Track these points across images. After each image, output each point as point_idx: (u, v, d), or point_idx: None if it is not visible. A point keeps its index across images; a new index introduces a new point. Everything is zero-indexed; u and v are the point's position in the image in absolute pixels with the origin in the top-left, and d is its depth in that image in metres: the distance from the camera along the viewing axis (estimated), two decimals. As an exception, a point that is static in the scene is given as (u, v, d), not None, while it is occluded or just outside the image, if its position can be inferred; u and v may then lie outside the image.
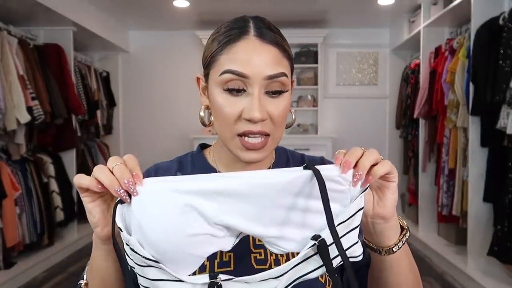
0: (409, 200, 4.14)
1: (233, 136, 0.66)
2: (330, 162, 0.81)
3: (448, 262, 2.98)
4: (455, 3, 2.94)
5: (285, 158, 0.81)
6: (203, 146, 0.83)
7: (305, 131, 4.69)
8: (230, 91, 0.64)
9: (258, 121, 0.64)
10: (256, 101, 0.63)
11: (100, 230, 0.58)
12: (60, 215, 3.36)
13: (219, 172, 0.77)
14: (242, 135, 0.65)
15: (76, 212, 3.66)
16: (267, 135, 0.66)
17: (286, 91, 0.67)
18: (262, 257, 0.68)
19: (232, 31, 0.65)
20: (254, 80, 0.63)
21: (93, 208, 0.56)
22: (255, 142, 0.65)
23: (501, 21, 2.42)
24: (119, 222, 0.51)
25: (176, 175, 0.78)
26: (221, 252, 0.68)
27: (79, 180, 0.54)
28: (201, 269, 0.67)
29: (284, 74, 0.65)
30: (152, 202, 0.50)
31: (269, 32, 0.66)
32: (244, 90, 0.64)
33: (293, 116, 0.76)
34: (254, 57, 0.63)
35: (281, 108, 0.66)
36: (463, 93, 2.82)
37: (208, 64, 0.68)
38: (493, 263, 2.55)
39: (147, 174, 0.79)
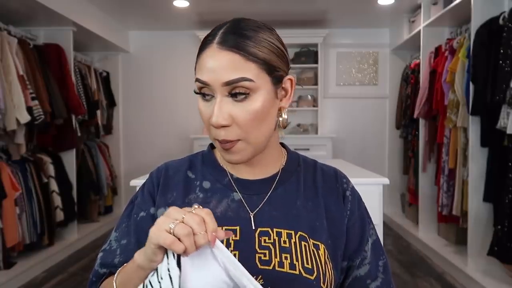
0: (409, 200, 4.14)
1: (214, 140, 0.71)
2: (342, 175, 0.83)
3: (448, 262, 2.98)
4: (455, 3, 2.94)
5: (296, 164, 0.81)
6: (213, 146, 0.84)
7: (305, 131, 4.69)
8: (203, 96, 0.70)
9: (218, 127, 0.67)
10: (216, 107, 0.66)
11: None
12: (60, 215, 3.35)
13: (228, 171, 0.78)
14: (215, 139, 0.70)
15: (76, 212, 3.66)
16: (233, 141, 0.68)
17: (252, 93, 0.66)
18: (267, 258, 0.69)
19: (205, 40, 0.70)
20: (215, 87, 0.66)
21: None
22: (225, 144, 0.69)
23: (501, 21, 2.42)
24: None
25: (186, 174, 0.79)
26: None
27: (165, 241, 0.54)
28: None
29: (244, 79, 0.65)
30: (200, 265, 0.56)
31: (233, 37, 0.66)
32: (213, 96, 0.68)
33: (285, 116, 0.75)
34: (213, 65, 0.66)
35: (249, 111, 0.66)
36: (463, 93, 2.82)
37: None
38: (493, 263, 2.56)
39: (158, 171, 0.81)
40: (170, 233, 0.54)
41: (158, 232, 0.55)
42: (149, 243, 0.56)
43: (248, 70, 0.66)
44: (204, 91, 0.68)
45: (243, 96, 0.66)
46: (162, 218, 0.56)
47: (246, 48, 0.66)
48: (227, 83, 0.65)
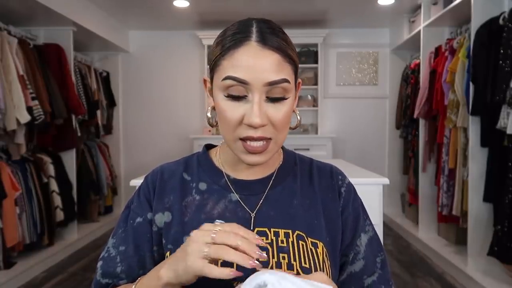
0: (409, 200, 4.14)
1: (236, 140, 0.68)
2: (338, 171, 0.83)
3: (448, 262, 2.98)
4: (455, 3, 2.94)
5: (292, 162, 0.81)
6: (209, 147, 0.84)
7: (305, 131, 4.69)
8: (232, 96, 0.66)
9: (258, 127, 0.65)
10: (256, 107, 0.64)
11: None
12: (60, 215, 3.35)
13: (226, 173, 0.77)
14: (243, 139, 0.67)
15: (76, 212, 3.66)
16: (268, 139, 0.67)
17: (288, 98, 0.67)
18: (265, 259, 0.69)
19: (235, 36, 0.66)
20: (254, 86, 0.64)
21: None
22: (256, 145, 0.66)
23: (501, 21, 2.42)
24: None
25: (182, 177, 0.78)
26: None
27: (214, 272, 0.54)
28: None
29: (285, 80, 0.65)
30: None
31: (271, 36, 0.65)
32: (245, 96, 0.65)
33: (298, 118, 0.77)
34: (254, 63, 0.63)
35: (283, 113, 0.67)
36: (463, 93, 2.82)
37: (212, 68, 0.70)
38: (493, 263, 2.56)
39: (153, 175, 0.79)
40: (211, 258, 0.54)
41: (201, 263, 0.55)
42: (188, 272, 0.56)
43: (286, 71, 0.66)
44: (233, 91, 0.65)
45: (280, 99, 0.66)
46: (194, 245, 0.56)
47: (285, 49, 0.66)
48: (270, 84, 0.64)
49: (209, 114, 0.76)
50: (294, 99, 0.71)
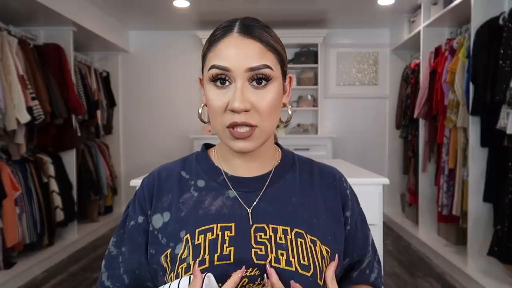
0: (409, 200, 4.14)
1: (223, 128, 0.70)
2: (341, 174, 0.85)
3: (448, 262, 2.98)
4: (455, 3, 2.94)
5: (290, 161, 0.82)
6: (208, 146, 0.85)
7: (305, 131, 4.69)
8: (216, 83, 0.69)
9: (240, 111, 0.67)
10: (238, 92, 0.66)
11: None
12: (60, 215, 3.35)
13: (223, 170, 0.78)
14: (230, 126, 0.68)
15: (76, 212, 3.66)
16: (253, 126, 0.69)
17: (271, 81, 0.69)
18: (263, 252, 0.69)
19: (219, 31, 0.70)
20: (236, 73, 0.67)
21: None
22: (241, 131, 0.68)
23: (501, 21, 2.43)
24: None
25: (180, 175, 0.79)
26: (221, 245, 0.69)
27: None
28: (202, 263, 0.67)
29: (267, 66, 0.68)
30: None
31: (252, 28, 0.69)
32: (230, 84, 0.68)
33: (290, 112, 0.79)
34: (236, 52, 0.67)
35: (267, 99, 0.69)
36: (463, 93, 2.82)
37: (202, 63, 0.73)
38: (493, 263, 2.56)
39: (149, 178, 0.80)
40: None
41: None
42: None
43: (268, 59, 0.69)
44: (218, 78, 0.69)
45: (265, 82, 0.68)
46: None
47: (266, 39, 0.70)
48: (252, 69, 0.67)
49: (200, 110, 0.80)
50: (282, 90, 0.73)
